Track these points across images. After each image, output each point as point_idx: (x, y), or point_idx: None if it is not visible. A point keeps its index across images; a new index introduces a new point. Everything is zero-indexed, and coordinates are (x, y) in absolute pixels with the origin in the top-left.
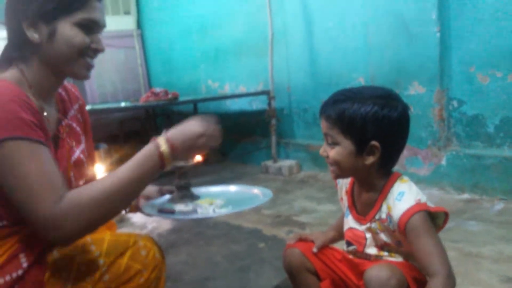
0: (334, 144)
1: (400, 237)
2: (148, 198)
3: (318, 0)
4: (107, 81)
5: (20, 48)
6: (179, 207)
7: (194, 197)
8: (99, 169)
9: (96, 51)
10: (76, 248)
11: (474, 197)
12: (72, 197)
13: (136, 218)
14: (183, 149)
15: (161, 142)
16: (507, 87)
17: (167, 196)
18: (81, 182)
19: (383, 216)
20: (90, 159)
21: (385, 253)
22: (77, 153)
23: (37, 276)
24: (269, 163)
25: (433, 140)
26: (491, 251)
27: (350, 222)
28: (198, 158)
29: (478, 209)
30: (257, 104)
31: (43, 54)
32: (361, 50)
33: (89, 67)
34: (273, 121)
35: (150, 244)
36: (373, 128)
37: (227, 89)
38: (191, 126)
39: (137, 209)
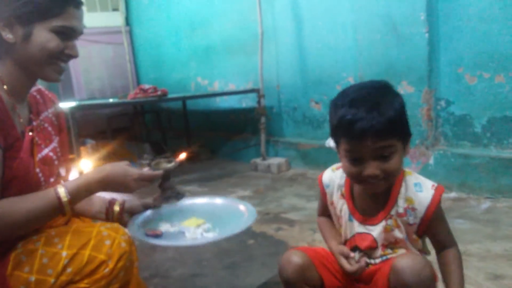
0: (391, 153)
1: (411, 230)
2: (132, 212)
3: None
4: (95, 77)
5: None
6: (165, 227)
7: (179, 197)
8: (87, 165)
9: (70, 56)
10: (39, 241)
11: (461, 196)
12: (3, 206)
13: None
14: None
15: (63, 196)
16: (494, 88)
17: (149, 212)
18: (51, 179)
19: (401, 210)
20: (62, 158)
21: (389, 251)
22: (46, 151)
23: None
24: (258, 160)
25: (421, 139)
26: (478, 249)
27: (355, 227)
28: (182, 156)
29: (465, 208)
30: (247, 102)
31: (16, 55)
32: (350, 50)
33: (61, 71)
34: (263, 119)
35: (115, 233)
36: (406, 117)
37: (217, 86)
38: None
39: (121, 223)
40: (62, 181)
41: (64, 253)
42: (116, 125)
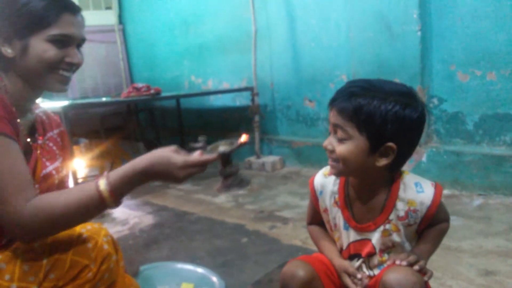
0: (345, 139)
1: (411, 229)
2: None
3: None
4: (88, 76)
5: None
6: None
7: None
8: (80, 164)
9: (71, 64)
10: (18, 247)
11: (454, 193)
12: (40, 203)
13: (118, 213)
14: (130, 189)
15: (102, 187)
16: (486, 85)
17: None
18: None
19: (401, 214)
20: (62, 178)
21: (386, 256)
22: (50, 168)
23: None
24: (253, 159)
25: None
26: (470, 245)
27: (351, 235)
28: (243, 138)
29: (458, 205)
30: (241, 100)
31: (18, 68)
32: (343, 48)
33: (64, 80)
34: (257, 118)
35: (96, 235)
36: (392, 128)
37: (211, 85)
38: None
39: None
40: (105, 172)
41: (45, 259)
42: (109, 124)
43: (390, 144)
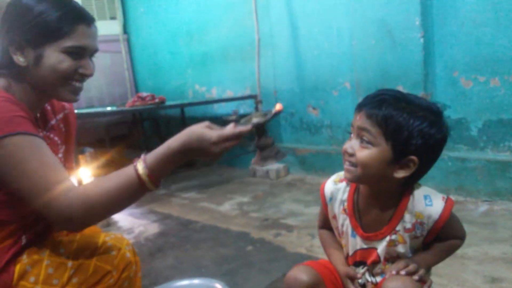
0: (370, 143)
1: (417, 241)
2: None
3: (304, 6)
4: (93, 86)
5: (8, 68)
6: None
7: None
8: (85, 173)
9: (84, 75)
10: (45, 251)
11: (458, 199)
12: (81, 193)
13: (123, 222)
14: (167, 169)
15: (141, 171)
16: (489, 91)
17: None
18: None
19: (408, 226)
20: (68, 167)
21: (390, 265)
22: None
23: (5, 280)
24: (257, 166)
25: None
26: (475, 252)
27: (358, 243)
28: (277, 107)
29: (462, 211)
30: (244, 108)
31: (29, 77)
32: (346, 55)
33: (76, 91)
34: None
35: (119, 243)
36: (417, 142)
37: (214, 93)
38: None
39: None
40: (142, 155)
41: (70, 263)
42: (114, 133)
43: (413, 157)
